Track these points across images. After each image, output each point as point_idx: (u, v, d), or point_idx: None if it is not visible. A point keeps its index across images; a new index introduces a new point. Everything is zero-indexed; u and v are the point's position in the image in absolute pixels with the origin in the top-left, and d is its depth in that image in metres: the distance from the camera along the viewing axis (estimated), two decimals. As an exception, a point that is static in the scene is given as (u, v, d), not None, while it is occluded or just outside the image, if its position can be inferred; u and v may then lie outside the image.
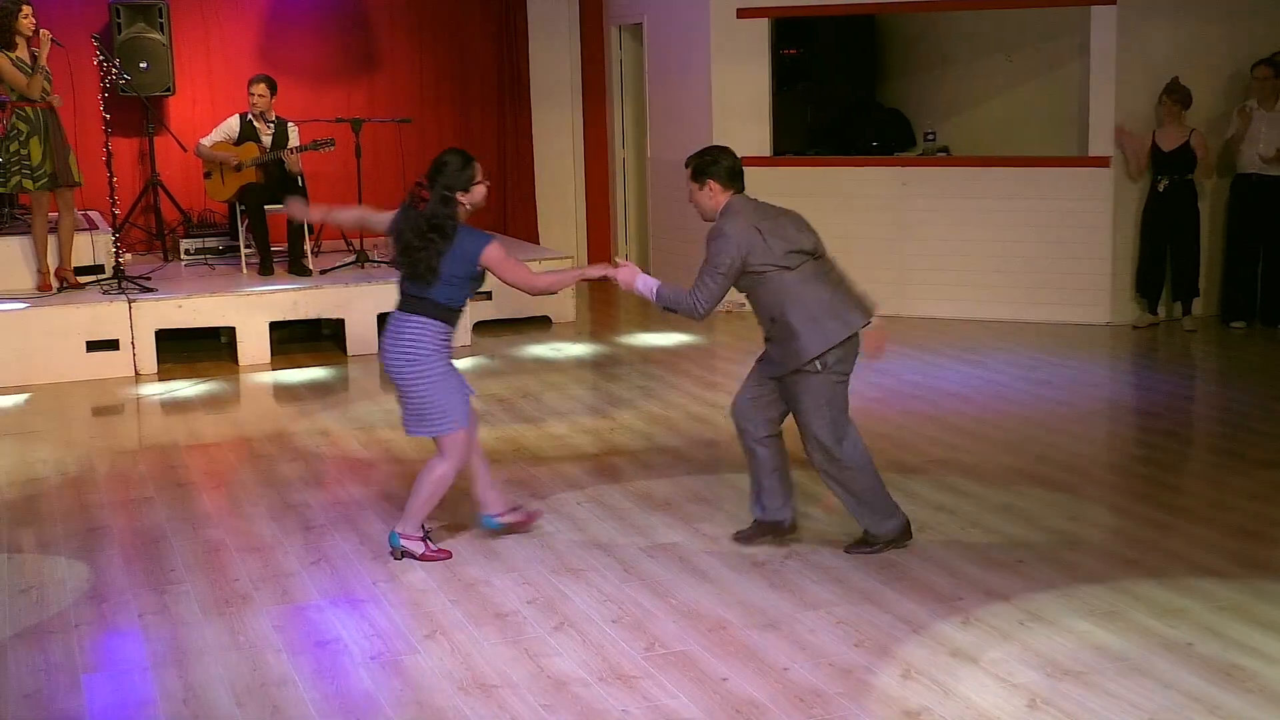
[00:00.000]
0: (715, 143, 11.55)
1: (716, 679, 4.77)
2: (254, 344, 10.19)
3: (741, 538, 6.13)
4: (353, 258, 11.17)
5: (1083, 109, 11.09)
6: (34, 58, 9.70)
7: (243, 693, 4.75)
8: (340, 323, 10.48)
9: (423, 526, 6.01)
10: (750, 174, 12.11)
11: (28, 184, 9.89)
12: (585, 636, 5.15)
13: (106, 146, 10.25)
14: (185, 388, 9.56)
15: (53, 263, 10.25)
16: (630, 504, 6.71)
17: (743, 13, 11.63)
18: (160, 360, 9.99)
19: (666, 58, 12.53)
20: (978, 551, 5.96)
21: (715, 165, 5.83)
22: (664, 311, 5.93)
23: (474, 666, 4.92)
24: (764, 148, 11.82)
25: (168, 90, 11.84)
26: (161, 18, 11.73)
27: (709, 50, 11.77)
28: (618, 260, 6.11)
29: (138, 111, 11.72)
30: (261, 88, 10.87)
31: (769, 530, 6.10)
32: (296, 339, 10.73)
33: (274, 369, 10.08)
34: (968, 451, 7.54)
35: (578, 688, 4.73)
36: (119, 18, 11.60)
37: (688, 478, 7.15)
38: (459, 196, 5.76)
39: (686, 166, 5.90)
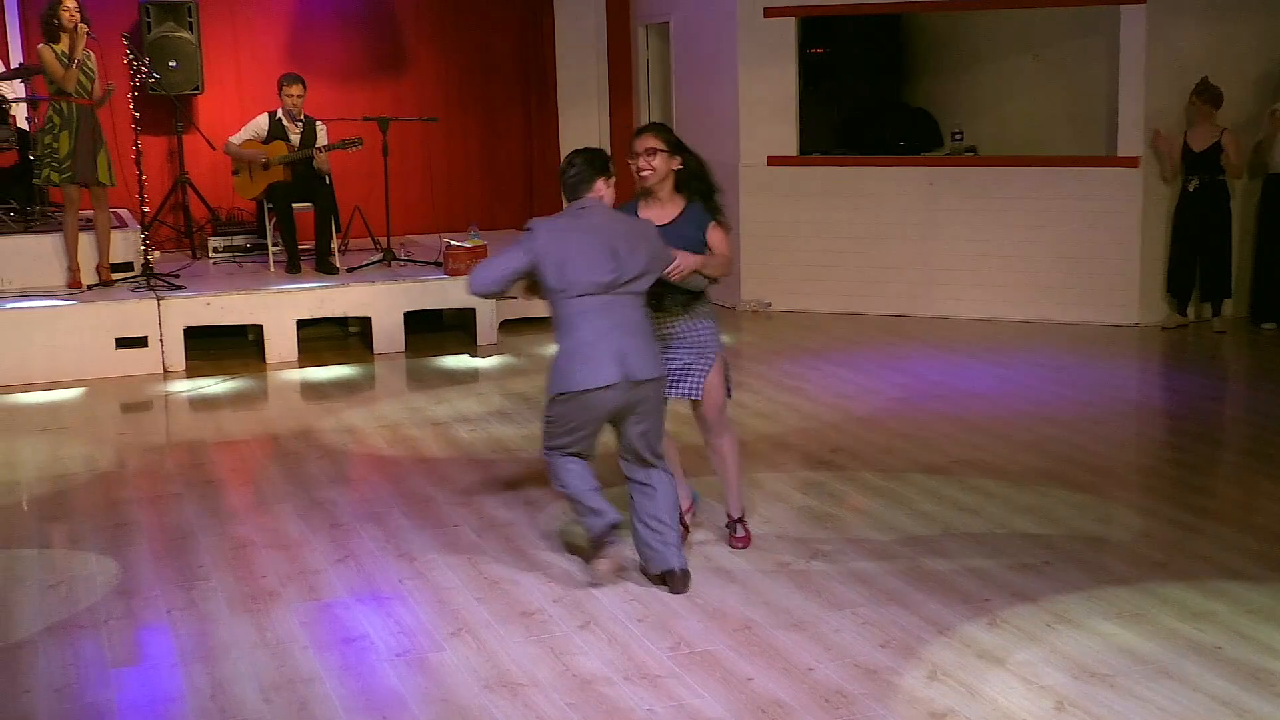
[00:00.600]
0: (740, 141, 11.70)
1: (742, 679, 4.77)
2: (281, 342, 10.23)
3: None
4: (379, 256, 11.20)
5: (1111, 109, 11.05)
6: (71, 50, 9.78)
7: (270, 689, 4.77)
8: (367, 321, 10.51)
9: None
10: (776, 173, 12.19)
11: (54, 176, 9.98)
12: (611, 635, 5.16)
13: (136, 145, 10.31)
14: (213, 385, 9.61)
15: (84, 260, 10.31)
16: (656, 503, 6.69)
17: (770, 12, 11.63)
18: (188, 357, 10.04)
19: (693, 57, 12.53)
20: (1004, 553, 5.94)
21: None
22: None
23: (499, 664, 4.93)
24: (790, 147, 11.81)
25: (196, 89, 11.91)
26: (191, 17, 11.80)
27: (736, 50, 11.76)
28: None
29: (167, 110, 11.78)
30: (298, 88, 10.92)
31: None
32: (323, 337, 10.77)
33: (301, 367, 10.12)
34: (993, 452, 7.52)
35: (603, 686, 4.74)
36: (149, 17, 11.67)
37: (713, 477, 7.12)
38: None
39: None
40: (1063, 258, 11.00)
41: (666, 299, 5.81)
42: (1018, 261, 11.14)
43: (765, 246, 11.84)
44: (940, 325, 11.11)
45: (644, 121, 13.65)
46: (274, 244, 11.17)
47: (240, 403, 9.18)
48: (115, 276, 10.41)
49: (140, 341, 9.85)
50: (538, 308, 11.12)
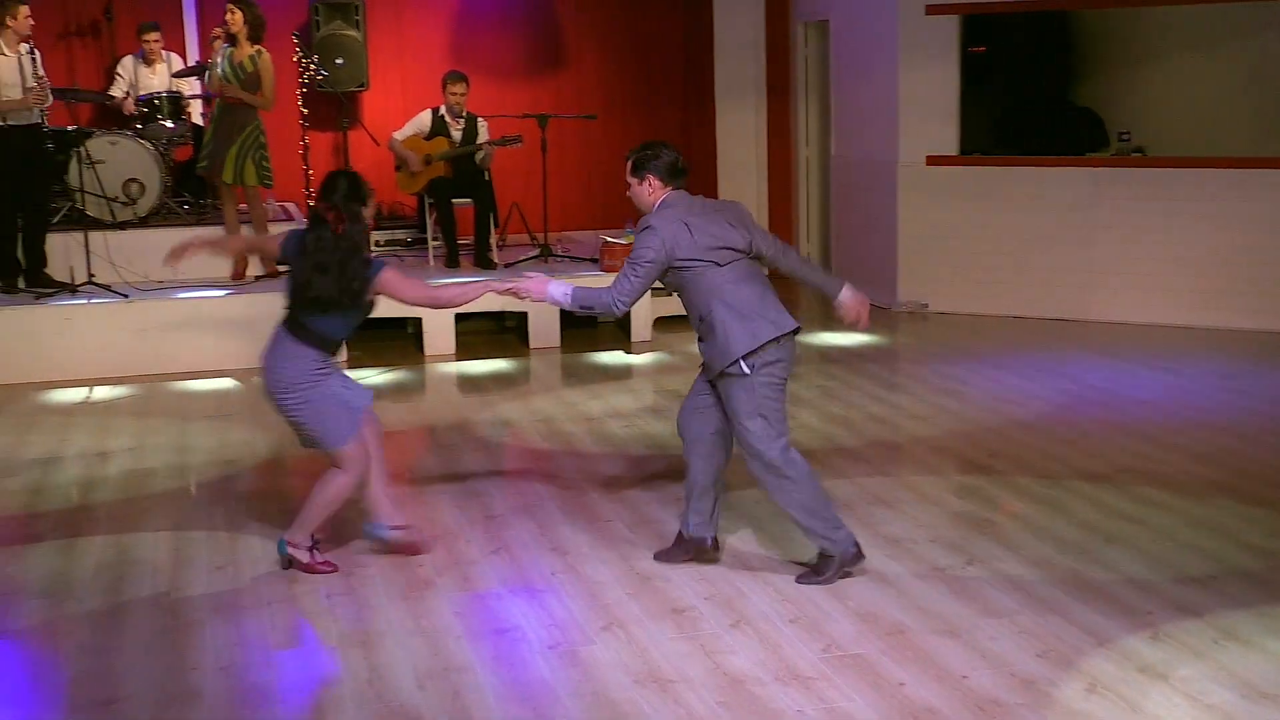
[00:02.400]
0: (899, 140, 11.56)
1: (894, 683, 4.71)
2: (439, 335, 10.40)
3: (662, 555, 5.91)
4: (537, 252, 11.31)
5: (1289, 108, 10.68)
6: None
7: (424, 676, 4.85)
8: (523, 316, 10.62)
9: (312, 536, 5.89)
10: (935, 173, 12.03)
11: (198, 166, 10.49)
12: (762, 635, 5.14)
13: (303, 140, 10.56)
14: (372, 376, 9.79)
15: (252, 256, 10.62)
16: (808, 504, 6.65)
17: (932, 9, 11.46)
18: (350, 349, 10.25)
19: (852, 55, 12.42)
20: (1168, 565, 5.77)
21: (655, 160, 5.57)
22: (581, 312, 5.69)
23: (650, 660, 4.94)
24: (951, 147, 11.63)
25: (362, 86, 12.15)
26: (358, 15, 12.04)
27: (897, 47, 11.62)
28: (525, 274, 5.81)
29: (333, 106, 12.04)
30: (461, 86, 11.08)
31: (690, 548, 5.84)
32: (480, 331, 10.91)
33: (458, 360, 10.27)
34: (1159, 461, 7.31)
35: (753, 686, 4.72)
36: (318, 15, 11.94)
37: (867, 479, 7.08)
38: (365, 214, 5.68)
39: (626, 160, 5.68)
40: (1234, 262, 10.64)
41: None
42: (1186, 265, 10.81)
43: (922, 247, 11.68)
44: (1103, 330, 10.84)
45: (802, 120, 13.57)
46: (434, 239, 11.36)
47: (399, 394, 9.35)
48: (282, 268, 10.64)
49: (304, 332, 10.07)
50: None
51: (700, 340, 5.61)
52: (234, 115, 10.19)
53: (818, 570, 5.64)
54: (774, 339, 5.46)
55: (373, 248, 11.78)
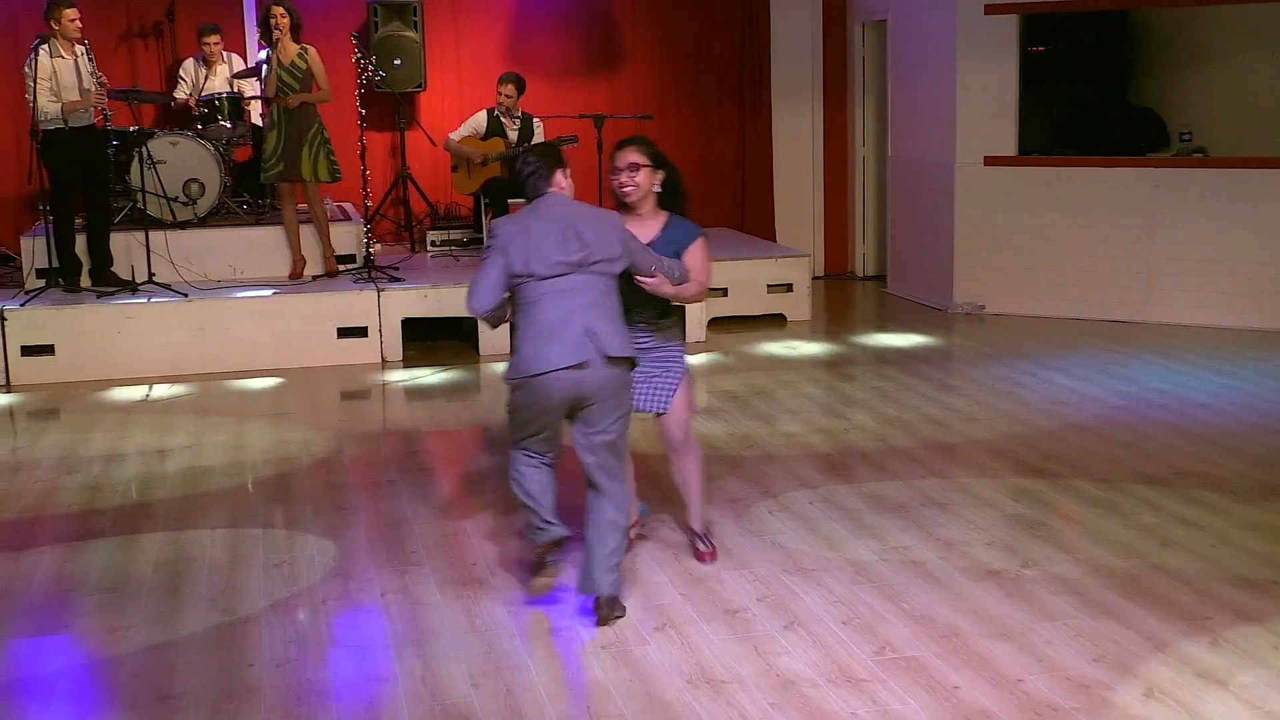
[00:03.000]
0: (957, 141, 11.48)
1: (948, 687, 4.68)
2: (494, 334, 10.42)
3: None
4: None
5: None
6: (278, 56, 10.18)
7: (478, 674, 4.87)
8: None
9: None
10: (993, 173, 11.96)
11: (261, 174, 10.48)
12: (815, 637, 5.12)
13: (361, 141, 10.63)
14: (428, 375, 9.86)
15: (314, 253, 10.70)
16: (862, 505, 6.64)
17: (991, 8, 11.38)
18: (405, 348, 10.32)
19: (910, 55, 12.35)
20: (1227, 570, 5.70)
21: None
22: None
23: (703, 661, 4.94)
24: (1009, 147, 11.54)
25: (419, 86, 12.21)
26: (416, 16, 12.10)
27: (955, 47, 11.55)
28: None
29: (391, 107, 12.12)
30: (510, 88, 11.13)
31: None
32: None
33: (513, 359, 10.28)
34: (1217, 464, 7.22)
35: (806, 688, 4.71)
36: (376, 16, 12.02)
37: (921, 481, 7.04)
38: None
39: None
40: (1297, 264, 10.51)
41: (634, 313, 5.56)
42: (1248, 267, 10.68)
43: (979, 247, 11.60)
44: (1163, 332, 10.72)
45: (859, 120, 13.52)
46: (490, 238, 11.38)
47: (454, 393, 9.40)
48: (340, 267, 10.76)
49: (360, 331, 10.17)
50: (744, 304, 11.15)
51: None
52: (299, 116, 10.27)
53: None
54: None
55: (429, 247, 11.89)
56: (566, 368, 5.12)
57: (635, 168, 5.69)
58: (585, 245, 5.20)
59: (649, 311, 5.70)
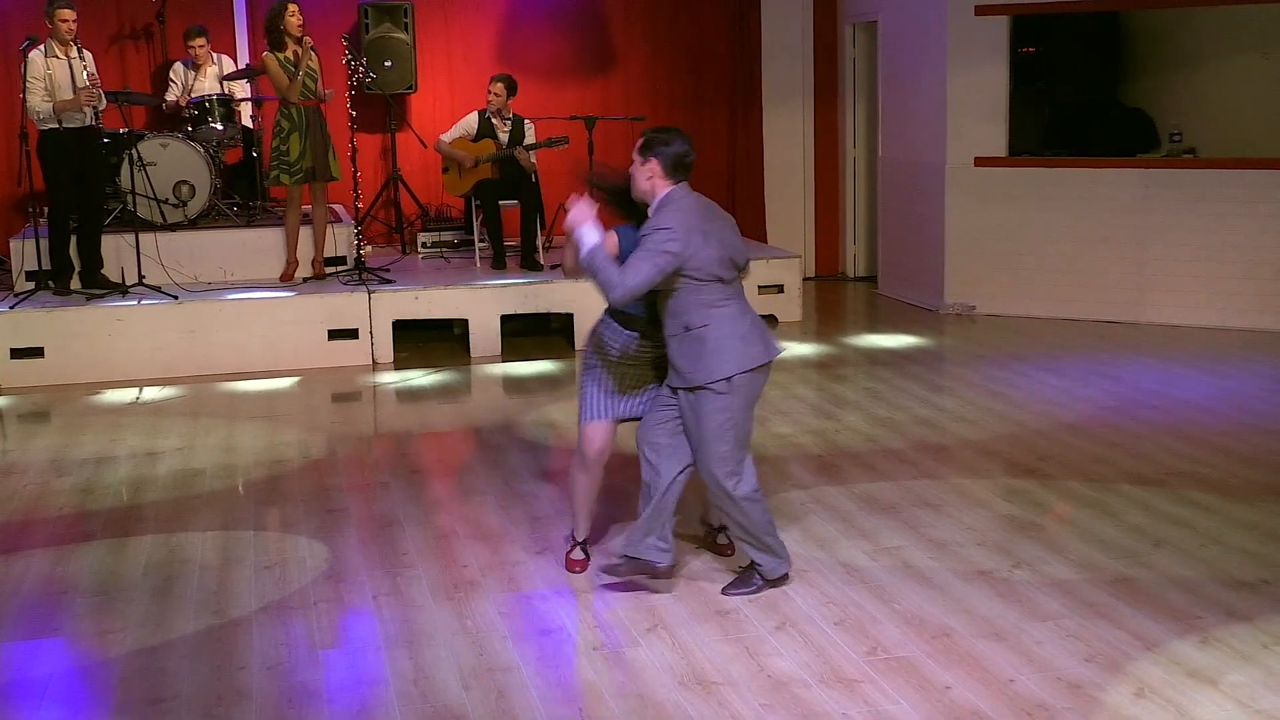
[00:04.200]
0: (947, 142, 11.50)
1: (940, 687, 4.69)
2: (485, 336, 10.44)
3: (609, 569, 5.64)
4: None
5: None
6: (298, 59, 10.13)
7: (469, 676, 4.87)
8: (569, 317, 10.65)
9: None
10: (984, 174, 11.98)
11: (285, 179, 10.36)
12: (806, 637, 5.12)
13: (352, 143, 10.63)
14: (419, 377, 9.85)
15: (304, 255, 10.69)
16: (854, 506, 6.64)
17: (981, 10, 11.39)
18: (396, 350, 10.32)
19: (901, 56, 12.37)
20: (1218, 569, 5.72)
21: (665, 146, 5.30)
22: (586, 271, 5.29)
23: (694, 662, 4.94)
24: (1000, 148, 11.56)
25: (410, 88, 12.21)
26: (406, 18, 12.10)
27: (945, 48, 11.57)
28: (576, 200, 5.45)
29: (381, 109, 12.12)
30: (499, 87, 11.13)
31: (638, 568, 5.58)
32: (526, 332, 10.94)
33: (504, 361, 10.30)
34: (1209, 465, 7.24)
35: (798, 689, 4.71)
36: (367, 18, 12.01)
37: (913, 482, 7.05)
38: None
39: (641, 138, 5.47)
40: (1287, 264, 10.53)
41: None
42: (1239, 268, 10.70)
43: (970, 249, 11.62)
44: (1154, 332, 10.74)
45: (850, 121, 13.53)
46: (480, 240, 11.40)
47: (445, 395, 9.39)
48: (329, 270, 10.75)
49: (351, 334, 10.17)
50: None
51: (673, 349, 5.38)
52: (320, 117, 10.30)
53: (745, 581, 5.57)
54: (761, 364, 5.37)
55: (420, 249, 11.89)
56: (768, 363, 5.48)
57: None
58: (741, 249, 5.54)
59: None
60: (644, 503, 5.52)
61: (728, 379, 5.27)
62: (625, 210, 5.59)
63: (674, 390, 5.44)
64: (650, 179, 5.36)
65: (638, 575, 5.57)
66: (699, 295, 5.27)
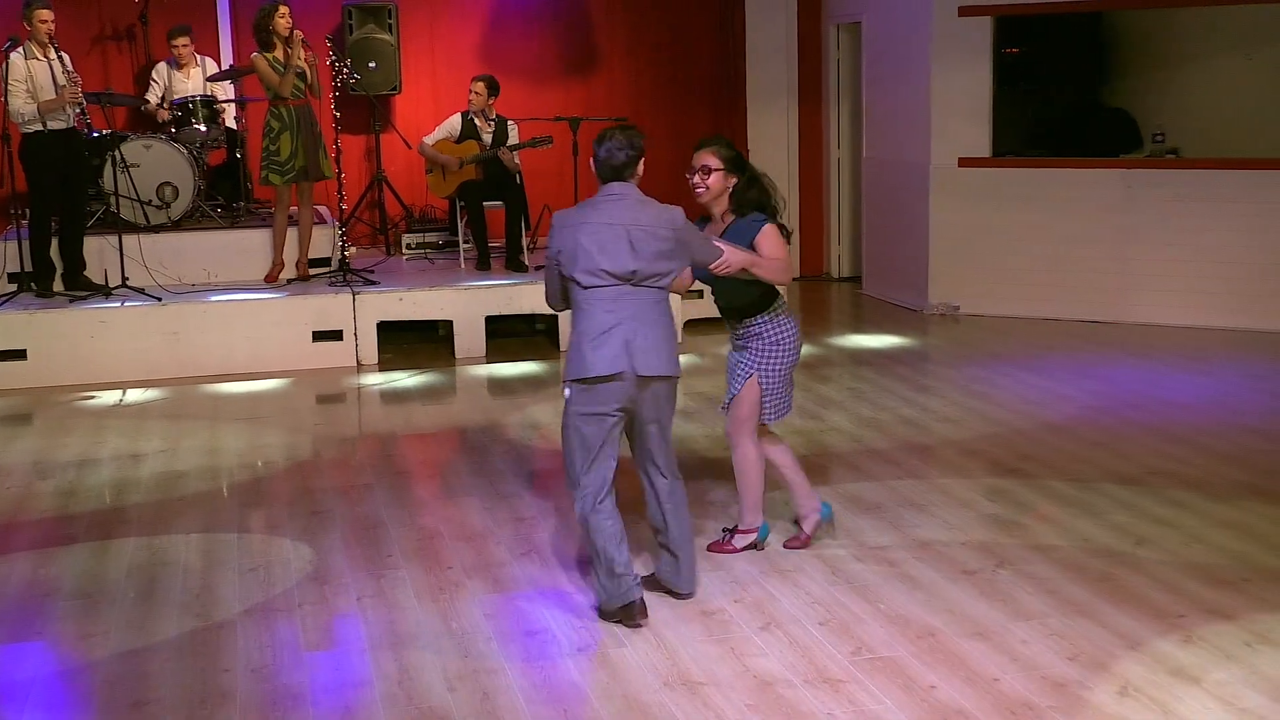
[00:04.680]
0: (931, 142, 11.52)
1: (925, 686, 4.70)
2: (470, 337, 10.43)
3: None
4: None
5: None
6: (287, 58, 10.11)
7: (454, 678, 4.86)
8: (554, 318, 10.64)
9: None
10: (968, 175, 11.99)
11: (275, 179, 10.34)
12: (792, 638, 5.13)
13: (336, 144, 10.61)
14: (404, 378, 9.84)
15: (289, 256, 10.67)
16: (839, 506, 6.64)
17: (965, 10, 11.42)
18: (381, 351, 10.30)
19: (885, 57, 12.39)
20: (1200, 568, 5.74)
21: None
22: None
23: (679, 663, 4.94)
24: (983, 148, 11.58)
25: (394, 89, 12.20)
26: (390, 19, 12.08)
27: (929, 49, 11.59)
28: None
29: (366, 110, 12.09)
30: (480, 86, 11.11)
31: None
32: (511, 333, 10.93)
33: (488, 362, 10.29)
34: (1191, 464, 7.26)
35: (783, 689, 4.71)
36: (351, 19, 11.99)
37: (898, 482, 7.06)
38: None
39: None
40: (1269, 264, 10.56)
41: (721, 300, 5.87)
42: (1221, 267, 10.74)
43: (954, 249, 11.64)
44: (1137, 332, 10.78)
45: (834, 122, 13.55)
46: (465, 241, 11.39)
47: (429, 396, 9.38)
48: (312, 272, 10.73)
49: (336, 335, 10.15)
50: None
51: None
52: (311, 116, 10.29)
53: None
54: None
55: (404, 250, 11.88)
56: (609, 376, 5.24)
57: (707, 170, 5.71)
58: (637, 257, 5.21)
59: (739, 299, 5.79)
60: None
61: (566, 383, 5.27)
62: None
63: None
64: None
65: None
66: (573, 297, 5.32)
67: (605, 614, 5.30)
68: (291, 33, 10.11)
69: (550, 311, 10.48)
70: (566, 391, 5.25)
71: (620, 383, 5.17)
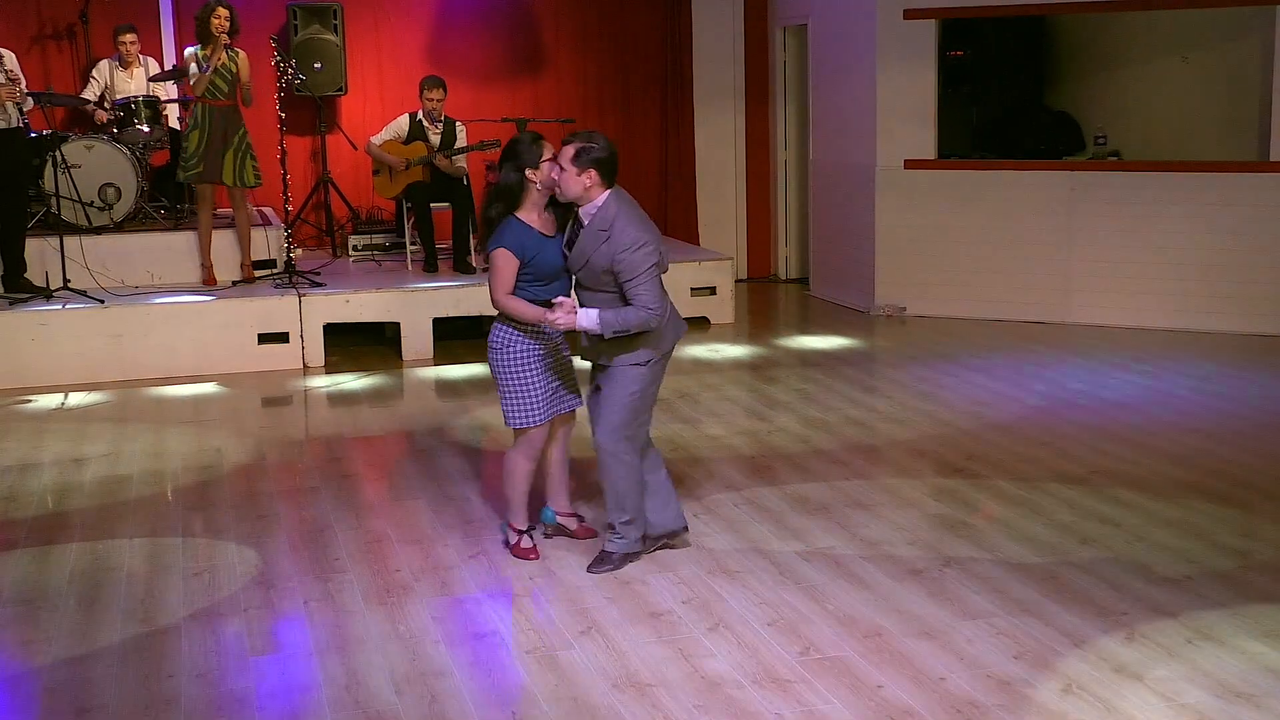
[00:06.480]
0: (877, 144, 11.59)
1: (872, 686, 4.72)
2: (418, 339, 10.39)
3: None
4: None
5: (1264, 112, 10.72)
6: (211, 57, 10.04)
7: (402, 681, 4.84)
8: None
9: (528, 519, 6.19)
10: (913, 176, 12.09)
11: (179, 174, 10.34)
12: (740, 639, 5.14)
13: (281, 145, 10.54)
14: (350, 381, 9.79)
15: (226, 258, 10.58)
16: (786, 507, 6.67)
17: (910, 14, 11.49)
18: (327, 354, 10.24)
19: (831, 59, 12.45)
20: (1143, 566, 5.80)
21: (602, 155, 5.56)
22: (619, 334, 5.60)
23: (628, 664, 4.94)
24: (929, 150, 11.67)
25: (340, 90, 12.13)
26: (336, 19, 12.01)
27: (875, 52, 11.66)
28: (556, 303, 5.62)
29: (311, 111, 12.02)
30: (439, 92, 11.05)
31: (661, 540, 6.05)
32: (458, 335, 10.89)
33: (436, 364, 10.25)
34: (1134, 463, 7.34)
35: (731, 689, 4.72)
36: (295, 19, 11.91)
37: (844, 482, 7.09)
38: (527, 174, 5.71)
39: (566, 144, 5.62)
40: (1210, 265, 10.70)
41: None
42: (1163, 268, 10.87)
43: (900, 250, 11.72)
44: (1081, 333, 10.88)
45: (781, 124, 13.60)
46: (412, 243, 11.35)
47: (377, 399, 9.34)
48: (257, 273, 10.65)
49: (281, 337, 10.08)
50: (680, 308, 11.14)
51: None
52: (226, 119, 10.17)
53: (602, 560, 5.90)
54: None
55: (351, 252, 11.81)
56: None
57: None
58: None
59: None
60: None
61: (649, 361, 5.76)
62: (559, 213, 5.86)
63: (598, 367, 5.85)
64: (589, 188, 5.59)
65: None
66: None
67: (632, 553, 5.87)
68: (220, 35, 10.03)
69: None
70: (636, 364, 5.69)
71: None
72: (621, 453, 5.75)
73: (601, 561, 5.86)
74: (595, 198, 5.60)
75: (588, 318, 5.54)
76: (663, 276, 5.71)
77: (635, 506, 5.83)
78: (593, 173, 5.56)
